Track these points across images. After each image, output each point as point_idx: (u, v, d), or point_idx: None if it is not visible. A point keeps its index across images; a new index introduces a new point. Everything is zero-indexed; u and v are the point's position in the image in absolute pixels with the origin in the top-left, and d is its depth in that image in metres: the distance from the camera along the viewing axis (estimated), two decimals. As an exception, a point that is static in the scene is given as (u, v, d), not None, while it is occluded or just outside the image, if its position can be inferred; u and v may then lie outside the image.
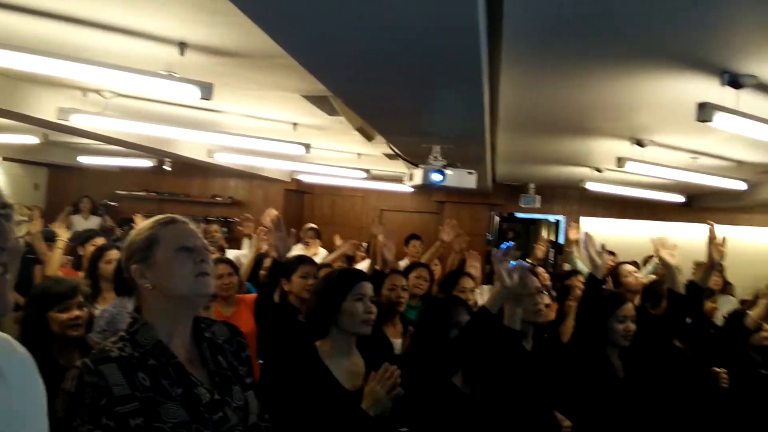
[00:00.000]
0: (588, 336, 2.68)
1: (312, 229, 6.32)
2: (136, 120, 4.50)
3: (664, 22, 2.15)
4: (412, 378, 1.90)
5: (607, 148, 4.84)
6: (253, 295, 3.25)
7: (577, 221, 8.77)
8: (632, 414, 2.55)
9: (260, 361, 3.12)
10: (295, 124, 4.97)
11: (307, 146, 4.95)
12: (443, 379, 2.17)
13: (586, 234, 2.90)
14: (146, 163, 7.78)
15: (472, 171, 4.09)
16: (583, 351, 2.66)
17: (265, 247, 4.23)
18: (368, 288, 1.98)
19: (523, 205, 8.82)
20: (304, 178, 8.44)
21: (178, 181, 8.96)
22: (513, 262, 2.18)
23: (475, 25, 1.84)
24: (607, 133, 4.31)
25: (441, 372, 2.16)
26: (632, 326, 2.62)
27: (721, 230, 2.95)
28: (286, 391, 1.84)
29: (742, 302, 4.52)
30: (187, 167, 8.03)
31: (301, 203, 9.59)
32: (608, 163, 5.39)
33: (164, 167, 8.15)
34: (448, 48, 2.08)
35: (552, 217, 8.94)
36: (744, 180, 5.32)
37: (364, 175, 7.02)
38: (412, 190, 8.45)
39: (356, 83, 2.74)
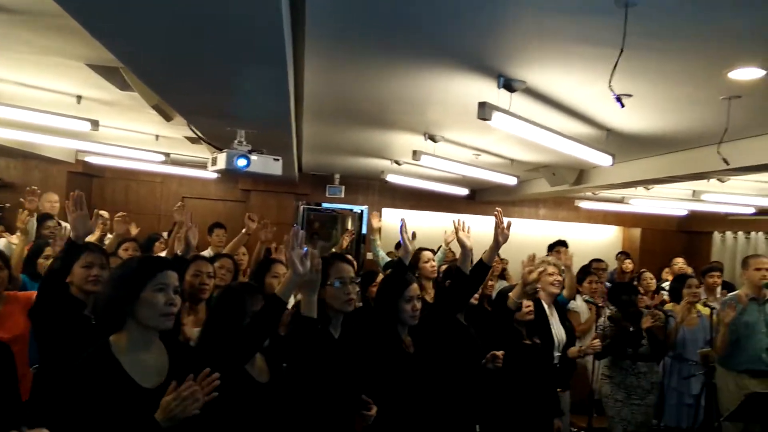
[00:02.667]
0: (381, 316, 2.84)
1: (100, 216, 5.74)
2: None
3: (449, 23, 2.35)
4: (206, 368, 1.83)
5: (404, 142, 5.17)
6: (29, 293, 2.88)
7: (379, 212, 9.25)
8: (423, 386, 2.76)
9: (35, 366, 2.76)
10: (79, 97, 4.46)
11: (94, 123, 4.48)
12: (236, 368, 2.11)
13: (402, 220, 3.05)
14: None
15: (278, 157, 4.08)
16: (377, 330, 2.81)
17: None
18: (172, 278, 1.85)
19: (328, 195, 9.05)
20: (92, 160, 7.60)
21: (-74, 158, 7.48)
22: (305, 248, 2.20)
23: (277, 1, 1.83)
24: (404, 127, 4.60)
25: (233, 361, 2.09)
26: (418, 305, 2.84)
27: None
28: (70, 393, 1.66)
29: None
30: (-61, 141, 6.73)
31: (89, 188, 8.64)
32: (405, 156, 5.77)
33: None
34: (250, 22, 2.03)
35: (357, 208, 9.30)
36: (515, 176, 6.09)
37: (163, 158, 6.57)
38: (216, 176, 8.14)
39: (149, 54, 2.52)
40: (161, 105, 4.04)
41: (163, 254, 4.40)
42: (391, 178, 6.93)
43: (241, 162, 3.87)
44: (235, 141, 3.93)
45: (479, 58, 2.76)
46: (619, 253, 8.45)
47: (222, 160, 3.90)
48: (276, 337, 2.28)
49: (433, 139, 4.81)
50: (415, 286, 2.84)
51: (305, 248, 2.15)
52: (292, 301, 3.15)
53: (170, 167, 7.36)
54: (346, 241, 6.26)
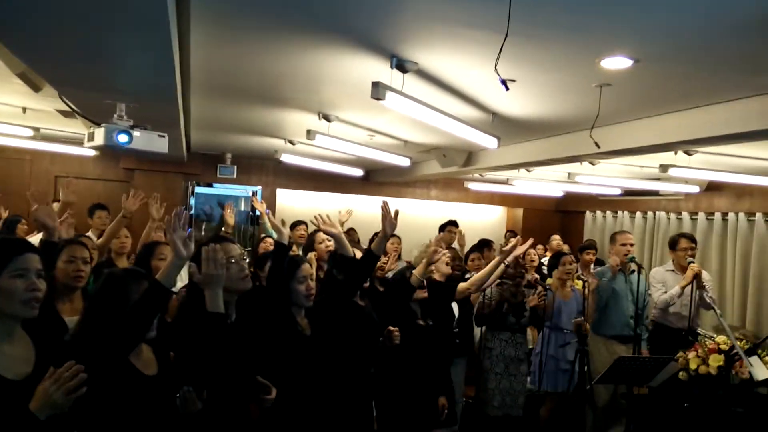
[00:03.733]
0: (275, 299, 2.81)
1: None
2: None
3: (342, 0, 2.33)
4: (86, 360, 1.72)
5: (298, 121, 5.09)
6: None
7: (274, 193, 9.10)
8: (320, 368, 2.77)
9: None
10: (-73, 63, 3.94)
11: (-53, 92, 4.00)
12: (117, 359, 2.01)
13: (252, 194, 3.02)
14: None
15: (164, 134, 3.85)
16: (271, 313, 2.77)
17: None
18: (31, 261, 1.73)
19: (220, 176, 8.73)
20: (-54, 135, 6.79)
21: None
22: (189, 230, 2.12)
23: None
24: (298, 106, 4.52)
25: (114, 352, 2.00)
26: (312, 284, 2.83)
27: (391, 202, 3.37)
28: None
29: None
30: None
31: (-57, 166, 7.74)
32: (299, 135, 5.69)
33: None
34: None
35: (250, 188, 9.05)
36: (408, 157, 6.22)
37: (31, 133, 6.00)
38: (94, 153, 7.60)
39: (11, 16, 2.28)
40: (28, 74, 3.68)
41: (35, 238, 4.06)
42: (285, 158, 6.80)
43: (122, 138, 3.61)
44: (115, 115, 3.66)
45: (372, 37, 2.76)
46: (507, 231, 8.95)
47: (100, 135, 3.62)
48: (164, 326, 2.19)
49: (327, 118, 4.77)
50: (307, 266, 2.83)
51: (189, 229, 2.07)
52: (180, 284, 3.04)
53: (40, 143, 6.75)
54: (231, 217, 5.97)
